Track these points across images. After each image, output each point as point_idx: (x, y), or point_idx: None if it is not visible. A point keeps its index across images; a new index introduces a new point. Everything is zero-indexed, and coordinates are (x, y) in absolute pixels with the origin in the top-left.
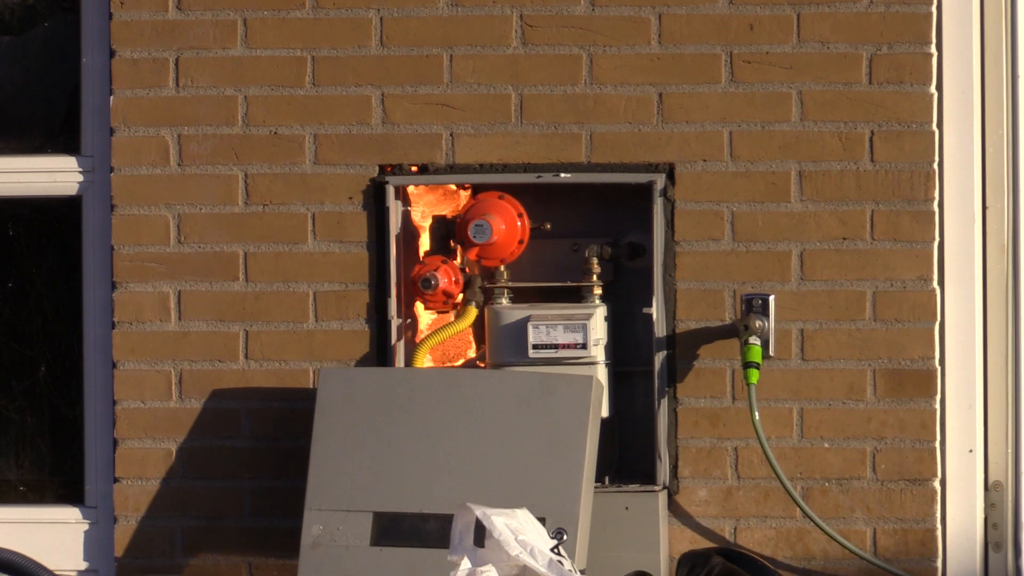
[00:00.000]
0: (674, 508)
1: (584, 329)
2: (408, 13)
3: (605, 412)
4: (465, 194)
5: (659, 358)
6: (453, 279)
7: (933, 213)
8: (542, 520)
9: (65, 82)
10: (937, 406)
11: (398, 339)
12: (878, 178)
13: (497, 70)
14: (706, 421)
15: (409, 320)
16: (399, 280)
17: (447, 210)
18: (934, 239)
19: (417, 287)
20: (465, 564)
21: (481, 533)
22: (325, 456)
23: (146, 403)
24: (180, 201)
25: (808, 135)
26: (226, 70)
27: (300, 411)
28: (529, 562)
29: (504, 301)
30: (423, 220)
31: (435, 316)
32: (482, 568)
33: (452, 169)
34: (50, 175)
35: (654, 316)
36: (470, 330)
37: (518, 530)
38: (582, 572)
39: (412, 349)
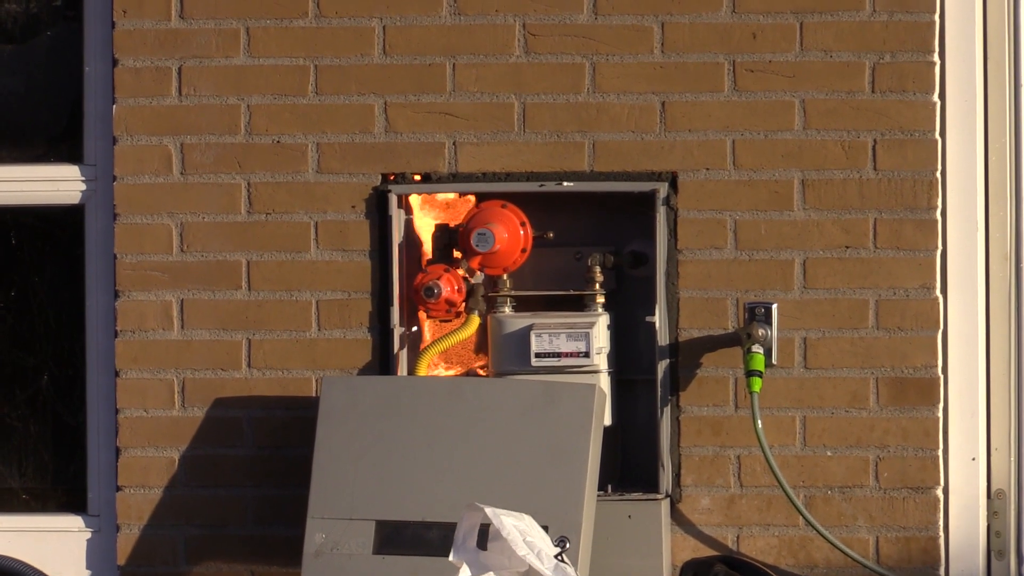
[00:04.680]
0: (677, 516)
1: (587, 338)
2: (411, 22)
3: (608, 420)
4: (468, 202)
5: (662, 366)
6: (456, 288)
7: (936, 221)
8: (545, 528)
9: (68, 91)
10: (940, 414)
11: (401, 348)
12: (881, 186)
13: (500, 79)
14: (709, 429)
15: (412, 329)
16: (402, 289)
17: (450, 219)
18: (937, 247)
19: (420, 296)
20: (465, 572)
21: (484, 536)
22: (328, 464)
23: (149, 412)
24: (183, 210)
25: (811, 144)
26: (229, 79)
27: (303, 419)
28: (535, 564)
29: (507, 310)
30: (426, 229)
31: (438, 325)
32: None
33: (455, 178)
34: (53, 184)
35: (657, 324)
36: (473, 339)
37: (526, 532)
38: None
39: (415, 357)
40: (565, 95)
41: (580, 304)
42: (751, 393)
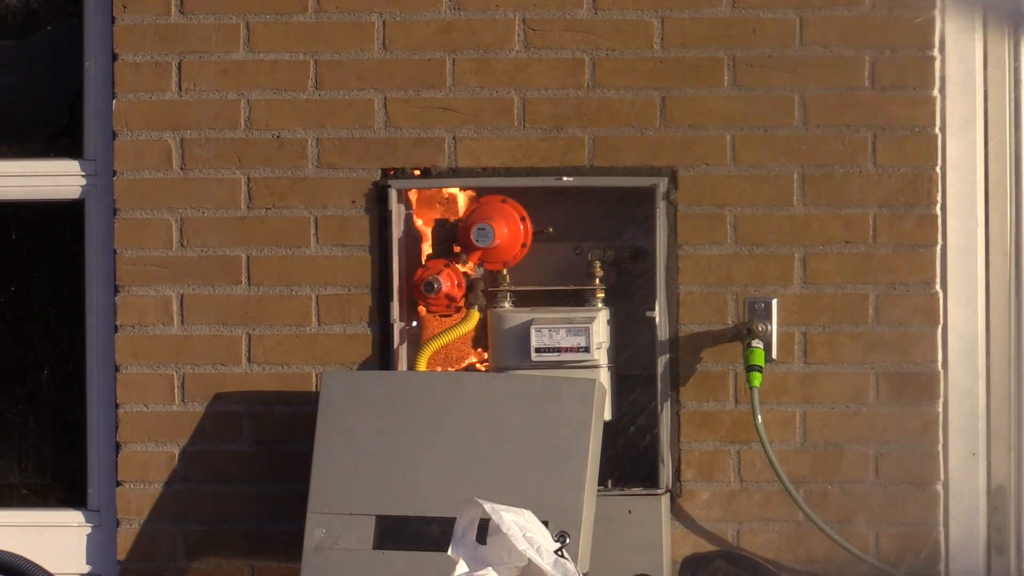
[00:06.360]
0: (677, 511)
1: (587, 332)
2: (410, 16)
3: (608, 415)
4: (468, 197)
5: (662, 361)
6: (455, 282)
7: (936, 217)
8: (545, 523)
9: (68, 86)
10: (940, 409)
11: (401, 343)
12: (881, 182)
13: (500, 73)
14: (709, 424)
15: (412, 324)
16: (402, 284)
17: (450, 214)
18: (937, 243)
19: (420, 291)
20: (461, 567)
21: (484, 530)
22: (328, 459)
23: (149, 406)
24: (183, 204)
25: (811, 139)
26: (229, 73)
27: (303, 415)
28: (536, 559)
29: (507, 304)
30: (425, 224)
31: (438, 320)
32: (479, 573)
33: (455, 173)
34: (53, 179)
35: (657, 319)
36: (473, 334)
37: (525, 527)
38: (585, 575)
39: (414, 353)
40: (565, 90)
41: (580, 299)
42: (751, 388)
